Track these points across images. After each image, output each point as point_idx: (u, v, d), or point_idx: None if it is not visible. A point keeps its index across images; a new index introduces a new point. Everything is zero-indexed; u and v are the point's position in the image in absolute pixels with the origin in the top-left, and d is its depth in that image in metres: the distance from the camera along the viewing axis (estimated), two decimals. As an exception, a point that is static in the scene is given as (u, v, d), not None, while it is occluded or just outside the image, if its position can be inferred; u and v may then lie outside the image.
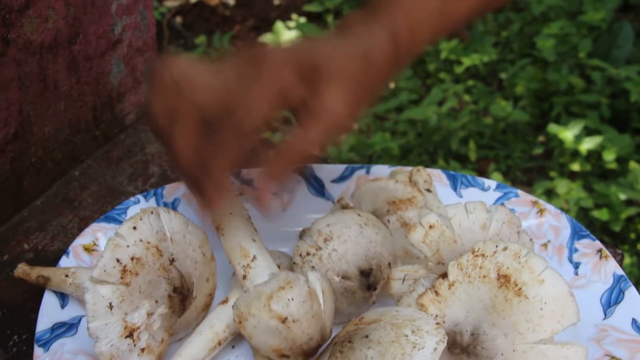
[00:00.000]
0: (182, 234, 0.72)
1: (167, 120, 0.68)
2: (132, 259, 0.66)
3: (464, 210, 0.75)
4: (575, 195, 2.21)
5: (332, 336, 0.72)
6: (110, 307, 0.65)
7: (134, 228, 0.68)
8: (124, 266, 0.66)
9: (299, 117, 0.70)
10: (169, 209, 0.72)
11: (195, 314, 0.75)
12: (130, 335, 0.66)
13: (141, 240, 0.68)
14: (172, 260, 0.70)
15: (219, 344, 0.73)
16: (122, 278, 0.66)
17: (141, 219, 0.69)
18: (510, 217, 0.76)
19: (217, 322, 0.73)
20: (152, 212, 0.70)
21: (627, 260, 2.06)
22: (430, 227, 0.74)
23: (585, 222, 2.17)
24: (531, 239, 0.79)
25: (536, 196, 0.90)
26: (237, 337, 0.75)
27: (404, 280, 0.75)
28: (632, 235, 2.19)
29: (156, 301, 0.68)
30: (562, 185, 2.26)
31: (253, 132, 0.67)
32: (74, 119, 1.02)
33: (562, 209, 0.89)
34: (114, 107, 1.09)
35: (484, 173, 2.40)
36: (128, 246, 0.67)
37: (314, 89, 0.70)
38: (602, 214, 2.16)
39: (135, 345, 0.67)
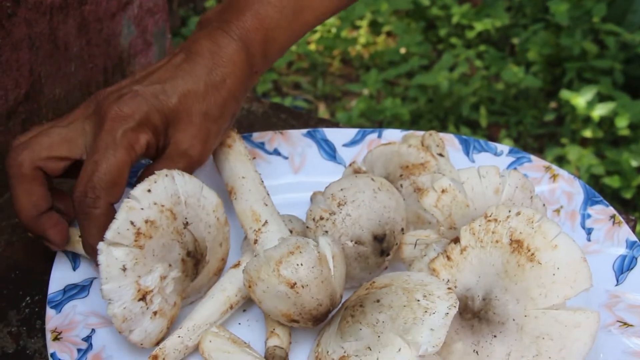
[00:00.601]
0: (196, 197, 0.72)
1: (12, 184, 0.72)
2: (146, 221, 0.66)
3: (477, 174, 0.75)
4: (586, 162, 2.20)
5: (343, 301, 0.72)
6: (124, 269, 0.65)
7: (149, 191, 0.67)
8: (138, 229, 0.65)
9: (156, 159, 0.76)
10: (183, 173, 0.71)
11: (208, 278, 0.75)
12: (143, 298, 0.66)
13: (155, 203, 0.67)
14: (186, 224, 0.70)
15: (231, 307, 0.73)
16: (136, 241, 0.65)
17: (156, 182, 0.68)
18: (523, 181, 0.75)
19: (229, 286, 0.73)
20: (166, 175, 0.69)
21: (638, 227, 2.05)
22: (443, 191, 0.74)
23: (596, 189, 2.16)
24: (544, 204, 0.78)
25: (547, 162, 0.90)
26: (248, 301, 0.75)
27: (415, 244, 0.75)
28: (644, 203, 2.18)
29: (169, 265, 0.68)
30: (573, 152, 2.25)
31: (106, 189, 0.69)
32: (85, 81, 1.01)
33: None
34: (124, 69, 1.08)
35: (494, 139, 2.39)
36: (142, 209, 0.66)
37: (167, 136, 0.74)
38: (613, 181, 2.15)
39: (148, 308, 0.67)
